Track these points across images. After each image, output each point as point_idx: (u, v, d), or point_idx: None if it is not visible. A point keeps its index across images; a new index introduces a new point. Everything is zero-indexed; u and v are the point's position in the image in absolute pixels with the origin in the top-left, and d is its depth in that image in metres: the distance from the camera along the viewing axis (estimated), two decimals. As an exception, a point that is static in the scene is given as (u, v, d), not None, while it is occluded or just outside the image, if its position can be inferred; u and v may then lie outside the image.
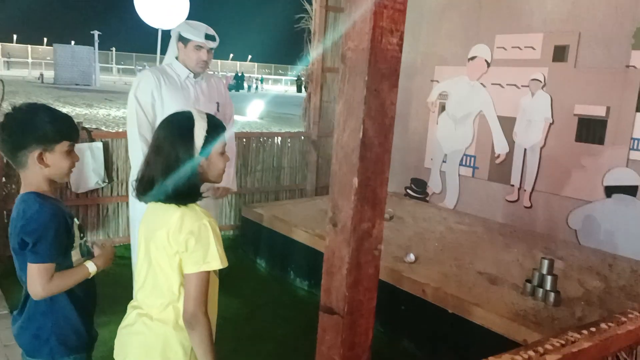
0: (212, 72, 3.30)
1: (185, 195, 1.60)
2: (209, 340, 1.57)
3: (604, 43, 3.96)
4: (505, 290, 3.25)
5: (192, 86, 3.12)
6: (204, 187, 1.69)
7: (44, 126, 1.69)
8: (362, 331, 0.94)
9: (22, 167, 1.70)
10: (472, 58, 4.86)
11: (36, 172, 1.69)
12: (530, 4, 4.41)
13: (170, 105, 2.97)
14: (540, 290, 3.12)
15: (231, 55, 65.39)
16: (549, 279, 3.13)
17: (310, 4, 5.40)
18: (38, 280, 1.62)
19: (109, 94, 25.97)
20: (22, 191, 1.73)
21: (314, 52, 5.39)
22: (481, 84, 4.81)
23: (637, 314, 1.42)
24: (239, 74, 40.09)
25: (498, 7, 4.63)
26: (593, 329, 1.33)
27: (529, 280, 3.21)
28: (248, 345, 3.29)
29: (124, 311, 1.70)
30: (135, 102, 2.96)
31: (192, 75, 3.11)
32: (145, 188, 1.62)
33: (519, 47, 4.50)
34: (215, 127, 1.65)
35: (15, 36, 53.10)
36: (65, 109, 17.12)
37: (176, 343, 1.61)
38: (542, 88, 4.35)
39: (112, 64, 54.16)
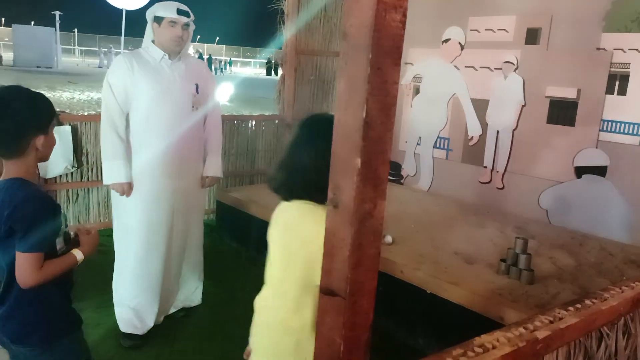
0: (195, 55, 3.26)
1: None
2: None
3: (576, 26, 4.02)
4: (480, 269, 3.31)
5: (168, 67, 3.03)
6: None
7: (40, 110, 1.67)
8: (363, 312, 0.94)
9: (19, 155, 1.64)
10: (446, 40, 4.88)
11: (31, 157, 1.66)
12: (503, -13, 4.44)
13: (143, 88, 2.92)
14: (515, 268, 3.19)
15: (198, 37, 64.08)
16: (522, 257, 3.20)
17: (283, -16, 5.32)
18: (28, 269, 1.59)
19: (72, 76, 25.22)
20: (5, 177, 1.67)
21: (288, 33, 5.32)
22: (455, 66, 4.84)
23: (617, 290, 1.46)
24: (203, 56, 39.33)
25: (471, -11, 4.65)
26: (579, 306, 1.36)
27: (503, 260, 3.28)
28: (227, 328, 3.27)
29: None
30: (107, 88, 2.92)
31: (167, 56, 3.03)
32: (297, 186, 1.57)
33: (492, 30, 4.53)
34: None
35: (-30, 16, 50.95)
36: (26, 92, 16.54)
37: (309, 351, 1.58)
38: (514, 71, 4.40)
39: (74, 45, 52.55)
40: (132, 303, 3.06)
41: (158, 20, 2.98)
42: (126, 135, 2.94)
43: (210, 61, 37.60)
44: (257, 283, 1.76)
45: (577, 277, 3.22)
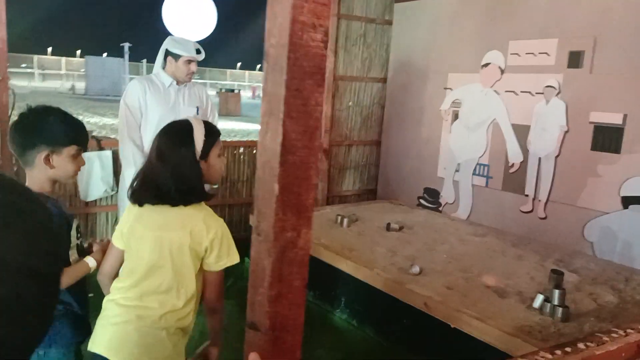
0: (195, 81, 3.64)
1: (195, 196, 1.70)
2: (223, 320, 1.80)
3: (621, 49, 3.81)
4: (512, 304, 3.12)
5: (175, 93, 3.42)
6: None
7: (54, 129, 1.75)
8: (287, 348, 0.88)
9: (28, 165, 1.75)
10: (486, 65, 4.75)
11: (41, 171, 1.75)
12: (544, 9, 4.28)
13: (153, 109, 3.29)
14: (548, 304, 2.99)
15: (239, 64, 64.13)
16: (556, 293, 3.00)
17: (323, 12, 5.35)
18: None
19: (137, 104, 26.41)
20: None
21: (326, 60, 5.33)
22: (495, 91, 4.69)
23: (621, 333, 1.32)
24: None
25: (512, 12, 4.52)
26: (568, 349, 1.24)
27: (537, 295, 3.08)
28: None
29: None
30: (125, 107, 3.32)
31: (174, 83, 3.41)
32: (150, 192, 1.69)
33: (533, 53, 4.37)
34: (212, 131, 1.77)
35: (50, 49, 54.67)
36: (93, 119, 17.45)
37: (170, 347, 1.68)
38: (556, 95, 4.21)
39: (142, 75, 55.17)
40: None
41: (174, 56, 3.33)
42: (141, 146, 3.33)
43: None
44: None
45: (618, 315, 2.97)
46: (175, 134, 1.74)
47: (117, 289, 1.76)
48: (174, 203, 1.68)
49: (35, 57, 48.16)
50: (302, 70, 0.80)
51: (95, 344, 1.72)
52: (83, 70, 43.28)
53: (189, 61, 3.35)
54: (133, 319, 1.67)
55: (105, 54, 39.89)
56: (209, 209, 1.74)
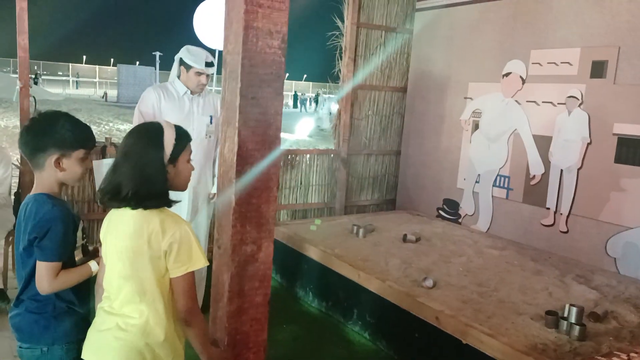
0: (210, 89, 3.61)
1: (156, 200, 1.62)
2: (206, 332, 1.59)
3: (646, 57, 3.68)
4: (527, 321, 3.02)
5: (189, 101, 3.46)
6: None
7: (64, 133, 1.81)
8: (248, 366, 0.84)
9: (38, 168, 1.82)
10: (507, 74, 4.65)
11: (51, 174, 1.81)
12: (567, 18, 4.18)
13: (167, 117, 3.24)
14: (564, 322, 2.88)
15: (286, 74, 65.66)
16: (573, 310, 2.89)
17: (343, 21, 5.35)
18: (45, 277, 1.73)
19: (167, 112, 26.80)
20: (34, 191, 1.84)
21: (345, 68, 5.32)
22: (516, 101, 4.58)
23: (623, 356, 1.24)
24: (297, 95, 40.14)
25: (533, 21, 4.42)
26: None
27: (550, 312, 2.97)
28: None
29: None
30: (138, 114, 3.35)
31: (189, 92, 3.44)
32: (114, 194, 1.63)
33: (555, 63, 4.26)
34: (182, 136, 1.70)
35: (84, 57, 56.07)
36: (123, 126, 17.77)
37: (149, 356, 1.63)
38: (579, 106, 4.09)
39: (173, 83, 55.92)
40: None
41: (186, 66, 3.36)
42: None
43: (295, 97, 38.64)
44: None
45: (638, 336, 2.84)
46: (145, 134, 1.67)
47: (105, 297, 1.75)
48: (133, 206, 1.60)
49: (71, 66, 49.49)
50: (258, 78, 0.78)
51: (84, 350, 1.72)
52: (116, 78, 44.29)
53: (199, 73, 3.37)
54: (113, 327, 1.65)
55: (137, 63, 40.70)
56: (169, 212, 1.64)
